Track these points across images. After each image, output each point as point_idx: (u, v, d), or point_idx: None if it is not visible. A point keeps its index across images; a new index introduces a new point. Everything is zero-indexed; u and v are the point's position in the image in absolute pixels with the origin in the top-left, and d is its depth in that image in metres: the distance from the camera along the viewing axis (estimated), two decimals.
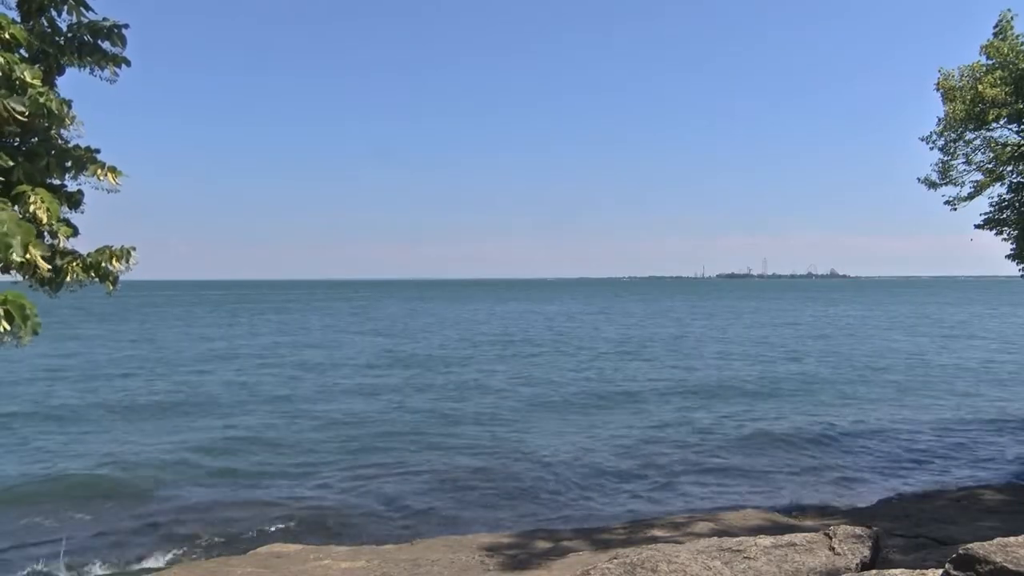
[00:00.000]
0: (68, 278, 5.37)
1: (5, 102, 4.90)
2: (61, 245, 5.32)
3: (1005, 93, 15.16)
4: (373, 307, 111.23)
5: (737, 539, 8.51)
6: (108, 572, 12.18)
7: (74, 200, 5.73)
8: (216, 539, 13.49)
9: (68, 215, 5.63)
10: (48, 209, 4.76)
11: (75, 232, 5.53)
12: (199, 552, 12.76)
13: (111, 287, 5.63)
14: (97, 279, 5.57)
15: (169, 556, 12.62)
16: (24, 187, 4.75)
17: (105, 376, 34.98)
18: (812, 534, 8.48)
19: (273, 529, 13.98)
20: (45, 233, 5.06)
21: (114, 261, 5.54)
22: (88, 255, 5.55)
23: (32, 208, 4.68)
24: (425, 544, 12.24)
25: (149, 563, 12.34)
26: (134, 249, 5.64)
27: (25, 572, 12.08)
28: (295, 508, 15.23)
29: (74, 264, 5.40)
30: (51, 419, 24.47)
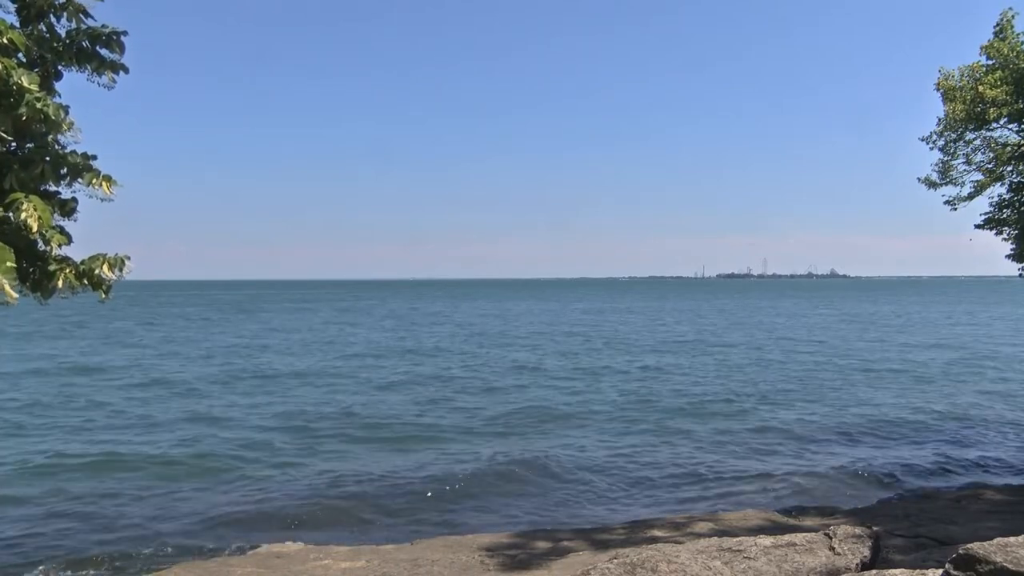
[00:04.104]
0: (60, 285, 5.37)
1: None
2: (54, 252, 5.30)
3: (1005, 93, 15.15)
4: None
5: (737, 539, 8.52)
6: (108, 572, 12.20)
7: (68, 208, 5.73)
8: (216, 539, 13.51)
9: (62, 223, 5.62)
10: (39, 217, 4.77)
11: (69, 240, 5.52)
12: (199, 552, 12.78)
13: (104, 295, 5.62)
14: (90, 286, 5.57)
15: (169, 556, 12.63)
16: (17, 195, 4.76)
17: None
18: (812, 534, 8.48)
19: (273, 529, 13.99)
20: (37, 240, 5.07)
21: (107, 268, 5.54)
22: (81, 262, 5.56)
23: (23, 216, 4.69)
24: (425, 544, 12.26)
25: (149, 563, 12.35)
26: (128, 258, 5.65)
27: (21, 574, 12.10)
28: (295, 508, 15.25)
29: (67, 271, 5.40)
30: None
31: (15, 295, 4.72)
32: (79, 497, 16.03)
